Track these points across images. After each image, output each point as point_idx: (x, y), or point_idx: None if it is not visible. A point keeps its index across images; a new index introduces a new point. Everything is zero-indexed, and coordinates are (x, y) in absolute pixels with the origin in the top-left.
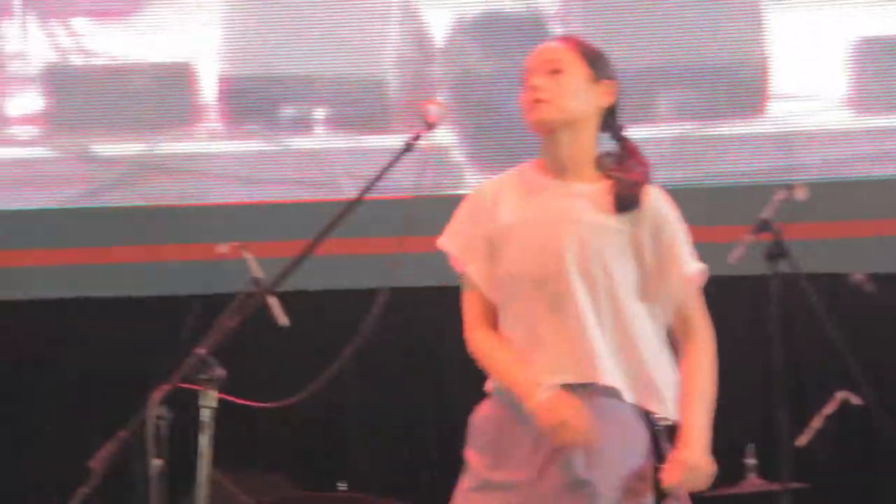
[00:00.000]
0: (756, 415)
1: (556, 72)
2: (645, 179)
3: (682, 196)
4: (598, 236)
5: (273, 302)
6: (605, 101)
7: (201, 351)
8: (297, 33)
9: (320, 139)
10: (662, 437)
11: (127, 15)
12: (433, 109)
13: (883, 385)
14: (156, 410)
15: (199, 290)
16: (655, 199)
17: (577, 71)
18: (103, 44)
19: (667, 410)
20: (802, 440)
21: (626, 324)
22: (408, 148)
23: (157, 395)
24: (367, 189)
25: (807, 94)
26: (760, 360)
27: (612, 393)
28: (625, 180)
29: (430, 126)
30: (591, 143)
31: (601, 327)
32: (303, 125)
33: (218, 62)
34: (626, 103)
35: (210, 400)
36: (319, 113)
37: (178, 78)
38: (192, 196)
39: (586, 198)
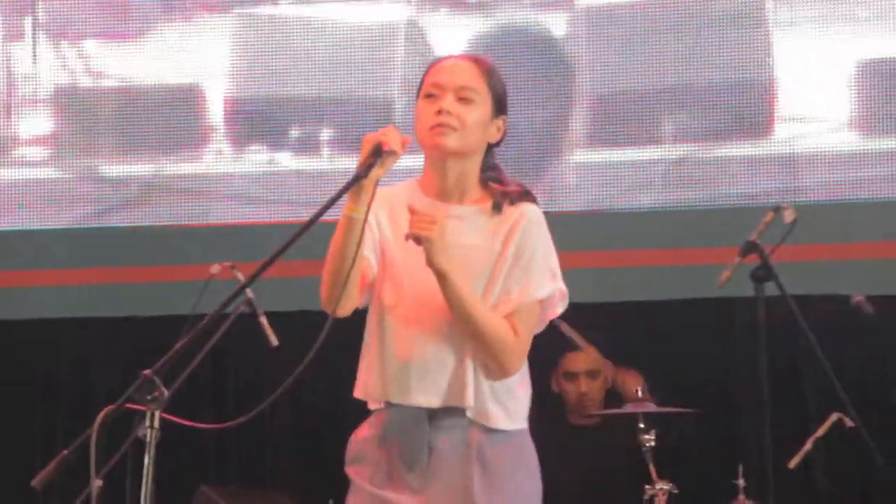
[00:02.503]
0: (751, 436)
1: (467, 101)
2: (521, 190)
3: (684, 218)
4: (467, 261)
5: (264, 322)
6: (495, 138)
7: (146, 372)
8: (304, 55)
9: (325, 161)
10: None
11: (136, 37)
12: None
13: (880, 407)
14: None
15: (189, 310)
16: (529, 214)
17: (484, 105)
18: (112, 66)
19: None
20: (793, 462)
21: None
22: (359, 177)
23: (102, 415)
24: (322, 212)
25: (812, 116)
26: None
27: (481, 416)
28: (500, 191)
29: (386, 154)
30: (475, 172)
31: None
32: (309, 146)
33: (225, 84)
34: (632, 124)
35: (153, 420)
36: (325, 134)
37: (185, 100)
38: (198, 216)
39: (463, 221)
